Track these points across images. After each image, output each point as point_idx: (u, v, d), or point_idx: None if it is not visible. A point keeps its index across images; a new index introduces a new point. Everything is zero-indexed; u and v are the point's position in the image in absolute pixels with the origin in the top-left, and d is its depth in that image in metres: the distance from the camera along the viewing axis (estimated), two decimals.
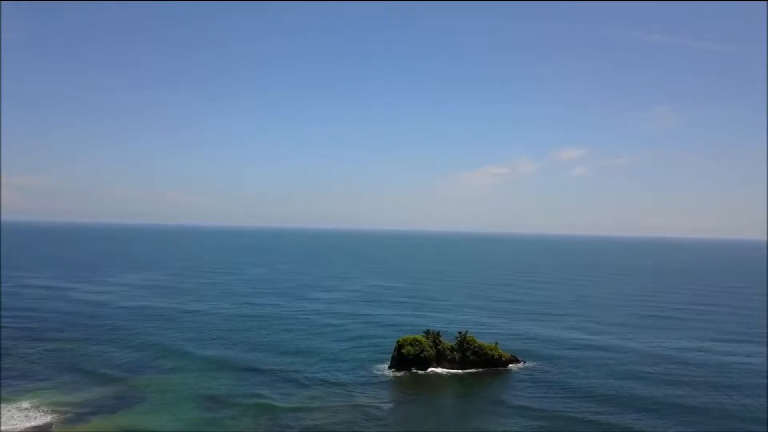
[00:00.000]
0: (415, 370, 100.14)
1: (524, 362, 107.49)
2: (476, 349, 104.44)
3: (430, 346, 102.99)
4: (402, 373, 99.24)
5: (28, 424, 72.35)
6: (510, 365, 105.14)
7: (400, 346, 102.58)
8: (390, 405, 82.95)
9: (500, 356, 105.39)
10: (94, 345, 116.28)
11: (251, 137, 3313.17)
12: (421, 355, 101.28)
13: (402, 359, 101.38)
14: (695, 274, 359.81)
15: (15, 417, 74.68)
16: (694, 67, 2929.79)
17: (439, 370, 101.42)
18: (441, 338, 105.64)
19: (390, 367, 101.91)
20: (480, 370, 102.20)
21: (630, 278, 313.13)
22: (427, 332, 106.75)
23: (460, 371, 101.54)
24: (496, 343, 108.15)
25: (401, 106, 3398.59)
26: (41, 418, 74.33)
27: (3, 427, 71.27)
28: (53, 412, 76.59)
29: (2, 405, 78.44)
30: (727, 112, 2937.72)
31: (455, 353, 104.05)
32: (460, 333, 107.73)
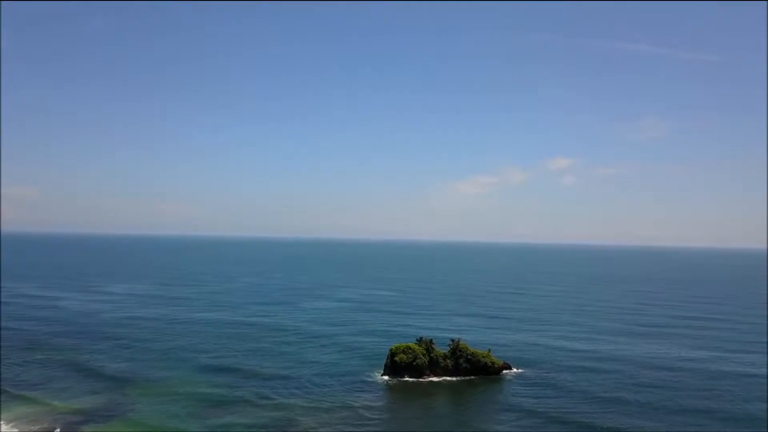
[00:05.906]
0: (408, 378, 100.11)
1: (517, 370, 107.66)
2: (469, 357, 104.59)
3: (423, 354, 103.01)
4: (395, 381, 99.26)
5: None
6: (503, 372, 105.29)
7: (393, 354, 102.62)
8: (383, 412, 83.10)
9: (493, 364, 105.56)
10: (84, 354, 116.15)
11: (247, 145, 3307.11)
12: (414, 363, 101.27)
13: (395, 367, 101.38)
14: (690, 282, 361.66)
15: (9, 426, 74.20)
16: (680, 76, 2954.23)
17: (432, 377, 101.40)
18: (434, 346, 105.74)
19: (383, 375, 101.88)
20: (473, 377, 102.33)
21: (623, 287, 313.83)
22: (420, 340, 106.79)
23: (453, 379, 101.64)
24: (489, 351, 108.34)
25: (391, 115, 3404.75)
26: (35, 427, 73.91)
27: None
28: (46, 420, 76.35)
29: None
30: (714, 121, 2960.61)
31: (448, 361, 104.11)
32: (453, 340, 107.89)
